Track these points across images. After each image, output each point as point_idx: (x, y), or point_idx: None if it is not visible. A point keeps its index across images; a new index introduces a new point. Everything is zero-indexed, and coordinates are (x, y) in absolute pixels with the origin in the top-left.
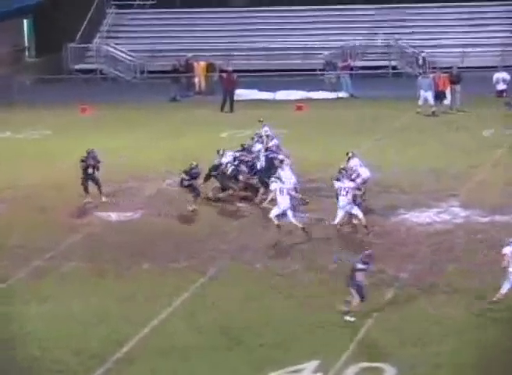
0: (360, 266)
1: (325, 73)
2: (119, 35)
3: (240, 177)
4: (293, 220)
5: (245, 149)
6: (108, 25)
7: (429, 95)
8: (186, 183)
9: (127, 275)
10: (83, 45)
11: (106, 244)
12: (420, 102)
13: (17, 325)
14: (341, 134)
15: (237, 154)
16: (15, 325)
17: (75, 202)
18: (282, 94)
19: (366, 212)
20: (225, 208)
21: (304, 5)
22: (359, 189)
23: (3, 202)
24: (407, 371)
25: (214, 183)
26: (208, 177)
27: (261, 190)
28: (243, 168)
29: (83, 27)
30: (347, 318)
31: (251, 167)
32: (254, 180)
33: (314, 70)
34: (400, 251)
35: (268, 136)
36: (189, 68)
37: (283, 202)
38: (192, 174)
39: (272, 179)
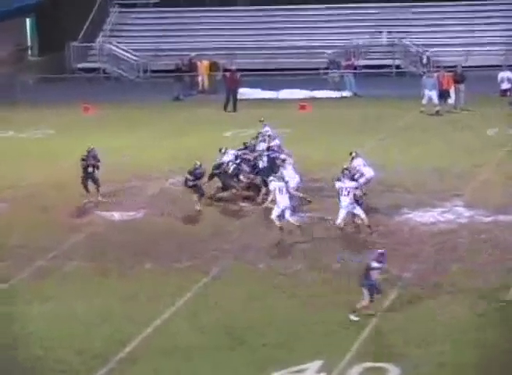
0: (375, 264)
1: (328, 72)
2: (122, 34)
3: (241, 176)
4: (290, 219)
5: (247, 147)
6: (111, 24)
7: (434, 94)
8: (190, 183)
9: (130, 274)
10: (86, 44)
11: (109, 243)
12: (424, 101)
13: (20, 325)
14: (344, 133)
15: (239, 152)
16: (17, 325)
17: (77, 202)
18: (285, 93)
19: (369, 211)
20: (228, 208)
21: (308, 4)
22: (357, 188)
23: (5, 202)
24: (410, 371)
25: (217, 182)
26: (212, 176)
27: (263, 189)
28: (245, 167)
29: (85, 26)
30: (352, 317)
31: (253, 166)
32: (257, 180)
33: (318, 69)
34: (404, 251)
35: (269, 136)
36: (192, 67)
37: (283, 201)
38: (196, 174)
39: (271, 178)
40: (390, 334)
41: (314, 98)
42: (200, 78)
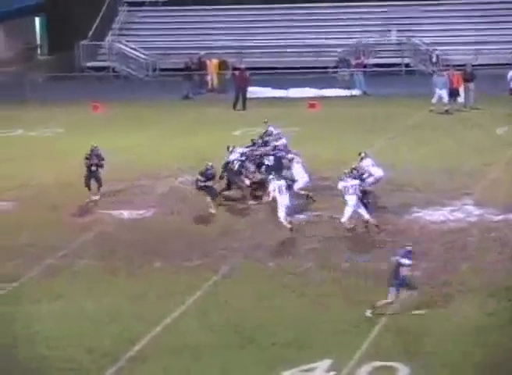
0: (405, 261)
1: (338, 70)
2: (131, 33)
3: (244, 174)
4: (283, 219)
5: (255, 144)
6: (121, 23)
7: (444, 93)
8: (201, 184)
9: (139, 273)
10: (95, 43)
11: (118, 242)
12: (434, 100)
13: (29, 323)
14: (354, 132)
15: (246, 150)
16: (27, 323)
17: (87, 200)
18: (294, 92)
19: (379, 210)
20: (237, 207)
21: (318, 3)
22: (361, 186)
23: (15, 200)
24: (420, 370)
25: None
26: (221, 176)
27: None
28: (249, 165)
29: (95, 25)
30: (368, 313)
31: (258, 164)
32: (263, 177)
33: (328, 68)
34: (414, 250)
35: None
36: (201, 66)
37: (283, 200)
38: (208, 175)
39: (271, 177)
40: (400, 333)
41: (323, 97)
42: (209, 77)
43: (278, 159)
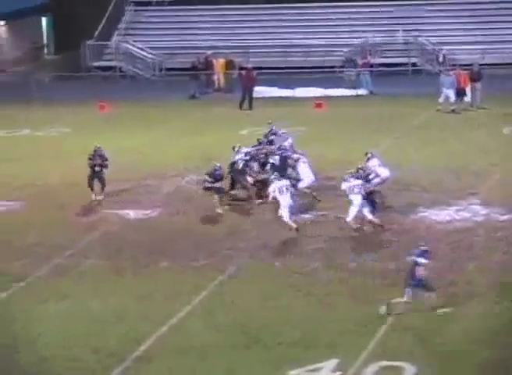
0: (422, 260)
1: (344, 70)
2: (138, 32)
3: (248, 173)
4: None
5: (261, 143)
6: (127, 22)
7: (451, 93)
8: (208, 185)
9: (146, 273)
10: (101, 43)
11: (124, 242)
12: (440, 100)
13: (36, 323)
14: (360, 132)
15: (251, 149)
16: (33, 323)
17: (91, 200)
18: (301, 92)
19: (385, 210)
20: (243, 207)
21: (324, 2)
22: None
23: (22, 200)
24: (426, 370)
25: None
26: (226, 175)
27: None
28: (253, 164)
29: (101, 25)
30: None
31: (263, 164)
32: (266, 176)
33: (334, 68)
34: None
35: (276, 134)
36: (208, 65)
37: (285, 201)
38: (216, 176)
39: (272, 177)
40: (406, 333)
41: (329, 97)
42: (216, 76)
43: (283, 159)
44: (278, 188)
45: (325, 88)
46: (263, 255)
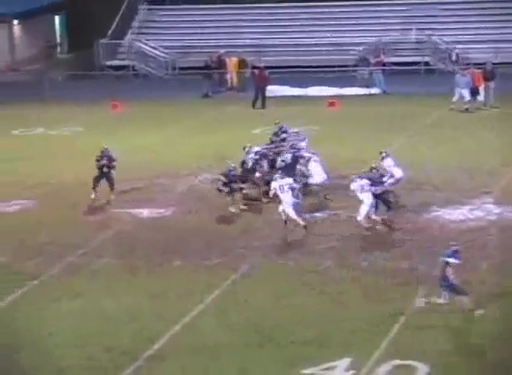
0: (452, 260)
1: (357, 69)
2: (151, 31)
3: (257, 172)
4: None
5: (273, 142)
6: (140, 21)
7: (466, 92)
8: (222, 187)
9: (159, 272)
10: (114, 41)
11: (138, 241)
12: (454, 99)
13: (48, 321)
14: (373, 131)
15: (262, 148)
16: (46, 321)
17: (106, 199)
18: (314, 91)
19: (398, 209)
20: (256, 206)
21: (337, 1)
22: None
23: (35, 199)
24: (439, 369)
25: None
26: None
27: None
28: (263, 162)
29: (114, 23)
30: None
31: (273, 161)
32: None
33: (347, 66)
34: (433, 248)
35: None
36: (221, 64)
37: (286, 199)
38: (230, 177)
39: (275, 176)
40: (419, 332)
41: (342, 96)
42: (228, 75)
43: (295, 158)
44: (279, 186)
45: (338, 87)
46: (276, 253)
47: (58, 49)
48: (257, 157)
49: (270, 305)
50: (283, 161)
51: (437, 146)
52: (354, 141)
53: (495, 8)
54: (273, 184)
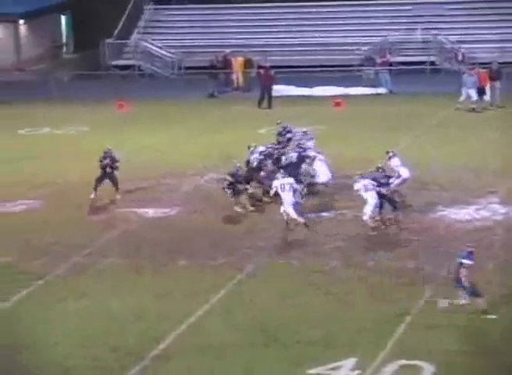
0: (466, 261)
1: (363, 68)
2: (157, 31)
3: (262, 172)
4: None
5: (280, 142)
6: (146, 21)
7: (473, 92)
8: (227, 187)
9: (164, 272)
10: (120, 41)
11: (143, 240)
12: (461, 99)
13: (54, 321)
14: (379, 131)
15: (267, 148)
16: (52, 321)
17: (112, 199)
18: (319, 90)
19: (404, 208)
20: (262, 206)
21: (343, 1)
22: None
23: (41, 199)
24: (445, 369)
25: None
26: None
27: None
28: (267, 162)
29: (120, 23)
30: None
31: (277, 160)
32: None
33: (353, 66)
34: (439, 248)
35: (289, 131)
36: (227, 64)
37: (287, 198)
38: (237, 177)
39: (278, 175)
40: (425, 332)
41: (348, 95)
42: (234, 75)
43: (301, 158)
44: (280, 185)
45: (344, 87)
46: (281, 253)
47: (64, 49)
48: (262, 157)
49: (275, 305)
50: (288, 160)
51: (443, 146)
52: (360, 140)
53: (501, 7)
54: (274, 183)
